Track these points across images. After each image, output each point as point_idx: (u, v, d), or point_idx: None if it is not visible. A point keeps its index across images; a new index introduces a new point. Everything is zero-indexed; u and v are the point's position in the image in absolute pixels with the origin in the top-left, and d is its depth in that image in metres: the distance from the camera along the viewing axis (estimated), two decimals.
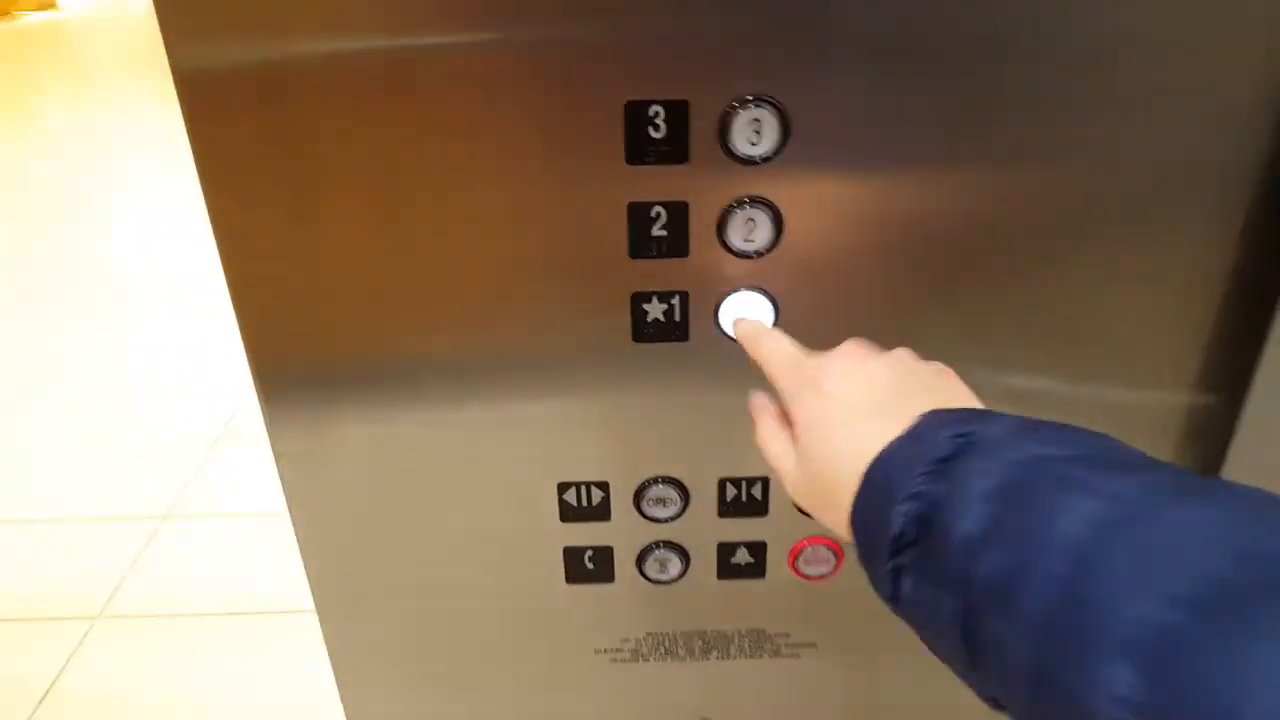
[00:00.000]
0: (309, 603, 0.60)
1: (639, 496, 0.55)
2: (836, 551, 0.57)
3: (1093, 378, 0.51)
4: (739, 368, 0.45)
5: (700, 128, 0.44)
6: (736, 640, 0.61)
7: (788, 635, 0.61)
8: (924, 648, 0.31)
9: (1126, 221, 0.47)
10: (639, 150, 0.45)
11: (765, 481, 0.54)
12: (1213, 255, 0.48)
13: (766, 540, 0.57)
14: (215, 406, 2.30)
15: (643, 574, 0.57)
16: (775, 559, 0.57)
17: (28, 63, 6.86)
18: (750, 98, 0.43)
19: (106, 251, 3.50)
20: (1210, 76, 0.43)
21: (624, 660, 0.61)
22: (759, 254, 0.47)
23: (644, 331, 0.49)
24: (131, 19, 8.04)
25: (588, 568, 0.57)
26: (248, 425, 2.11)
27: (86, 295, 3.05)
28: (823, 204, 0.46)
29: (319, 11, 0.42)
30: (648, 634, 0.60)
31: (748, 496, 0.55)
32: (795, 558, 0.57)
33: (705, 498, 0.55)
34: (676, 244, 0.47)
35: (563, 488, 0.54)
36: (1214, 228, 0.47)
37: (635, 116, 0.44)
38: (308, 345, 0.51)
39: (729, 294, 0.48)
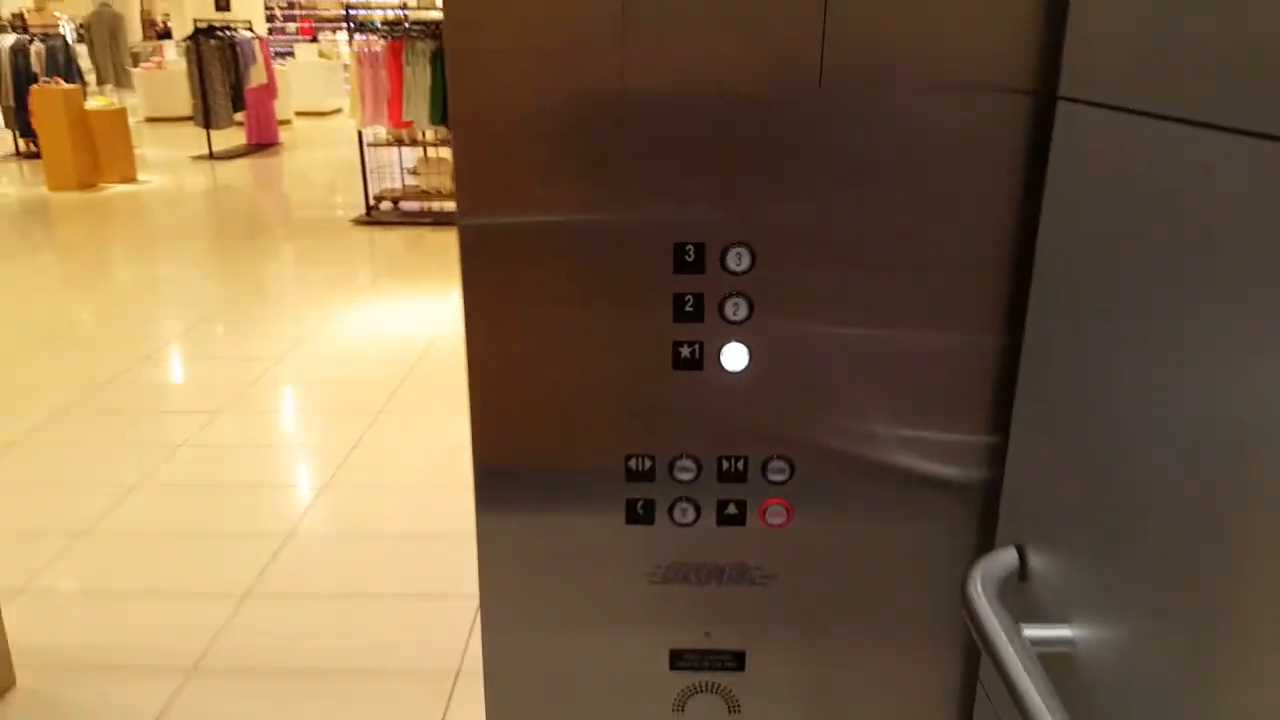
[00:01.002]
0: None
1: (671, 466, 0.94)
2: (788, 509, 0.95)
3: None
4: (734, 387, 0.86)
5: (711, 255, 0.87)
6: (727, 571, 0.98)
7: (760, 568, 0.98)
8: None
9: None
10: (680, 265, 0.87)
11: (746, 459, 0.94)
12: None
13: (746, 499, 0.95)
14: (282, 509, 2.69)
15: (671, 519, 0.96)
16: (751, 513, 0.96)
17: (108, 225, 7.62)
18: (736, 241, 0.87)
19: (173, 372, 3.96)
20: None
21: (656, 583, 0.99)
22: (741, 322, 0.89)
23: (679, 363, 0.90)
24: (196, 193, 8.89)
25: (639, 513, 0.96)
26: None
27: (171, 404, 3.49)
28: (778, 296, 0.89)
29: (526, 199, 0.86)
30: (672, 563, 0.98)
31: (735, 469, 0.94)
32: (764, 512, 0.95)
33: (710, 469, 0.94)
34: (697, 314, 0.89)
35: (627, 457, 0.94)
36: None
37: (679, 250, 0.87)
38: (516, 445, 0.92)
39: (725, 344, 0.90)
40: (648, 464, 0.94)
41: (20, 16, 12.32)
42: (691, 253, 0.87)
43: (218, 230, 7.69)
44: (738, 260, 0.87)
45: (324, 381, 4.25)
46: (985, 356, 0.89)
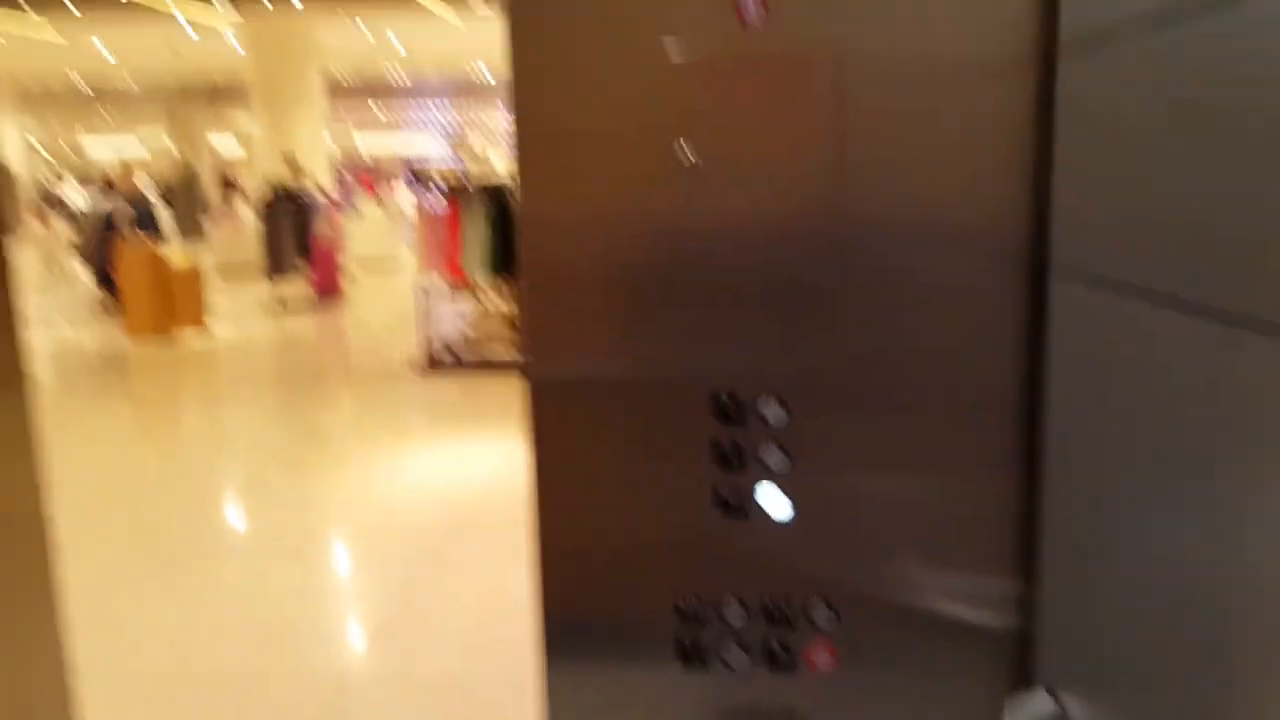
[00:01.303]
0: None
1: (719, 611, 1.03)
2: (832, 652, 1.03)
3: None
4: (776, 532, 0.96)
5: (748, 404, 0.98)
6: (777, 717, 1.05)
7: (807, 712, 1.05)
8: None
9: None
10: (719, 413, 0.99)
11: (790, 603, 1.02)
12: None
13: (792, 642, 1.03)
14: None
15: (721, 662, 1.04)
16: (798, 656, 1.03)
17: (179, 372, 7.99)
18: (768, 395, 0.98)
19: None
20: None
21: None
22: (779, 470, 0.99)
23: (722, 509, 1.01)
24: (262, 342, 9.32)
25: (690, 657, 1.04)
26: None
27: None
28: (813, 445, 0.99)
29: (584, 353, 0.99)
30: (724, 708, 1.05)
31: (780, 613, 1.02)
32: (809, 655, 1.03)
33: (756, 613, 1.03)
34: (738, 463, 0.99)
35: (677, 602, 1.03)
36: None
37: (717, 399, 0.99)
38: (578, 592, 1.02)
39: (759, 482, 1.00)
40: (697, 608, 1.03)
41: (108, 178, 13.30)
42: (730, 405, 0.99)
43: (281, 377, 8.04)
44: (773, 412, 0.98)
45: (381, 527, 4.36)
46: (1009, 503, 0.97)
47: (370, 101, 22.23)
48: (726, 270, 0.96)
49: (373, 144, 25.09)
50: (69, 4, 12.60)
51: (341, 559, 4.12)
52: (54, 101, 23.29)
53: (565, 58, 0.94)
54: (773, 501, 1.00)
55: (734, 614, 1.02)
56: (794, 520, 1.00)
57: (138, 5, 12.30)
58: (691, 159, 0.92)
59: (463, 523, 4.32)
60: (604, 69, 0.94)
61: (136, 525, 4.36)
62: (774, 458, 0.98)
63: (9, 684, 1.70)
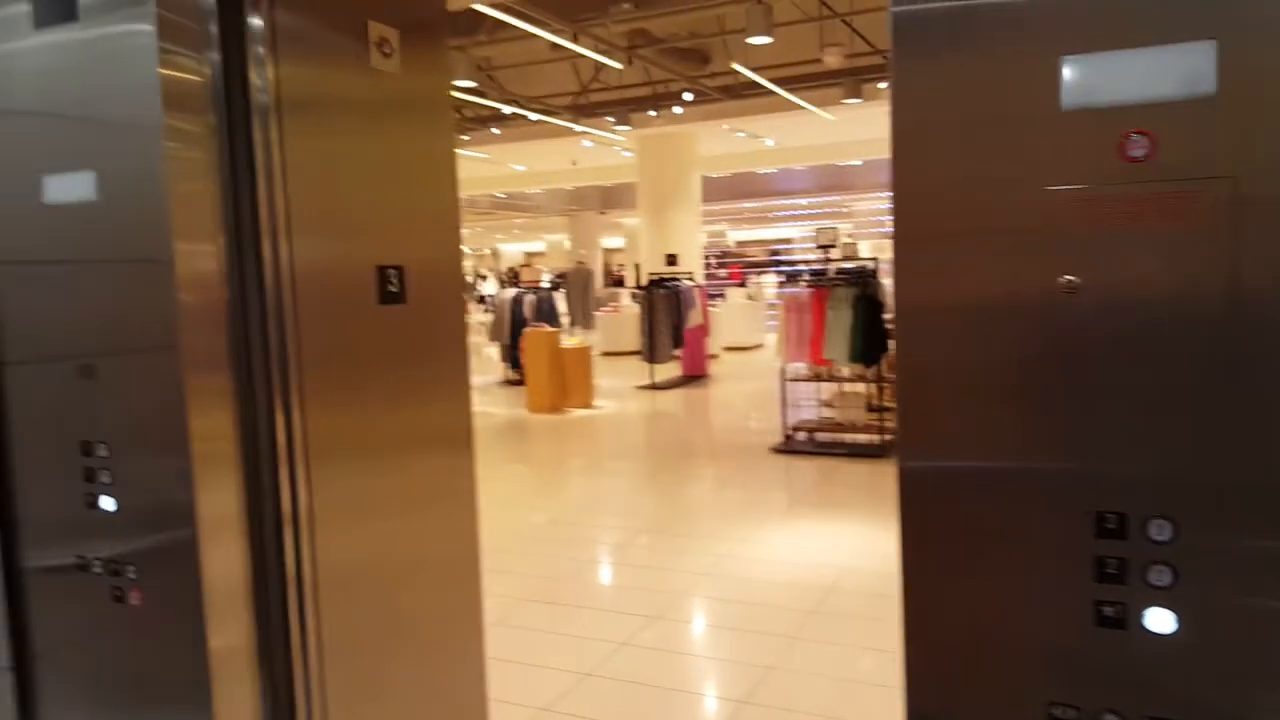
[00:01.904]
0: None
1: None
2: None
3: None
4: (1158, 649, 0.95)
5: (1132, 517, 0.99)
6: None
7: None
8: None
9: None
10: (1101, 523, 1.01)
11: None
12: None
13: None
14: None
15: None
16: None
17: (569, 442, 8.95)
18: (1154, 508, 0.98)
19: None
20: None
21: None
22: (1166, 588, 0.98)
23: (1101, 621, 1.01)
24: (638, 418, 10.12)
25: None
26: None
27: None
28: (1205, 564, 0.97)
29: (960, 446, 1.06)
30: None
31: None
32: None
33: None
34: (1119, 578, 1.00)
35: (1050, 709, 1.05)
36: None
37: (1100, 520, 1.01)
38: (947, 688, 1.09)
39: (1149, 607, 0.99)
40: (1071, 717, 1.04)
41: (514, 271, 15.33)
42: (1113, 517, 1.00)
43: (651, 449, 8.68)
44: (1160, 531, 0.98)
45: (741, 600, 4.55)
46: None
47: (738, 196, 23.55)
48: (1111, 376, 0.99)
49: (740, 235, 26.47)
50: (494, 129, 14.95)
51: (701, 626, 4.35)
52: (473, 208, 27.42)
53: (948, 179, 1.04)
54: (1158, 618, 0.99)
55: None
56: (1179, 637, 0.98)
57: (546, 124, 14.26)
58: (1075, 283, 0.98)
59: (820, 606, 4.38)
60: (988, 187, 1.03)
61: (535, 573, 4.96)
62: (1159, 574, 0.98)
63: (443, 707, 2.07)
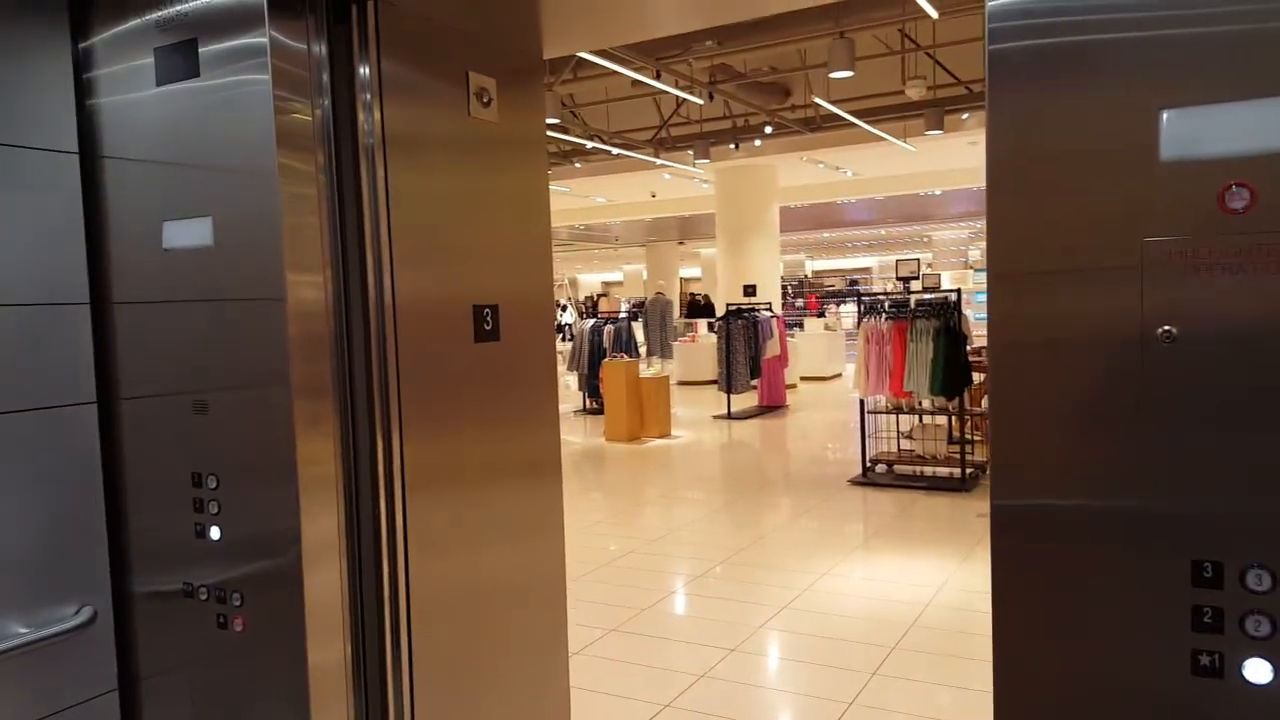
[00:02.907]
0: None
1: None
2: None
3: None
4: (1256, 699, 0.94)
5: (1230, 573, 0.98)
6: None
7: None
8: None
9: None
10: (1199, 580, 1.00)
11: None
12: None
13: None
14: None
15: None
16: None
17: (645, 472, 8.98)
18: (1253, 557, 0.97)
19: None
20: None
21: None
22: (1264, 638, 0.97)
23: (1197, 670, 1.00)
24: (715, 448, 10.10)
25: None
26: None
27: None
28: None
29: (1054, 483, 1.07)
30: None
31: None
32: None
33: None
34: (1216, 627, 0.99)
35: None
36: None
37: (1197, 567, 1.00)
38: None
39: (1247, 658, 0.98)
40: None
41: (592, 300, 15.49)
42: (1209, 570, 0.99)
43: (728, 479, 8.66)
44: (1258, 580, 0.97)
45: (821, 634, 4.50)
46: None
47: (817, 226, 23.42)
48: (1207, 424, 0.99)
49: (818, 265, 26.28)
50: (576, 163, 15.22)
51: (778, 660, 4.32)
52: (554, 239, 27.89)
53: (1044, 226, 1.05)
54: (1256, 669, 0.98)
55: None
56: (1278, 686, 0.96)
57: (626, 158, 14.46)
58: (1173, 332, 0.98)
59: (900, 642, 4.30)
60: (1084, 230, 1.04)
61: (617, 603, 4.99)
62: (1258, 624, 0.97)
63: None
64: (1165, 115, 0.98)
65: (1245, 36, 0.95)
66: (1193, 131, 0.97)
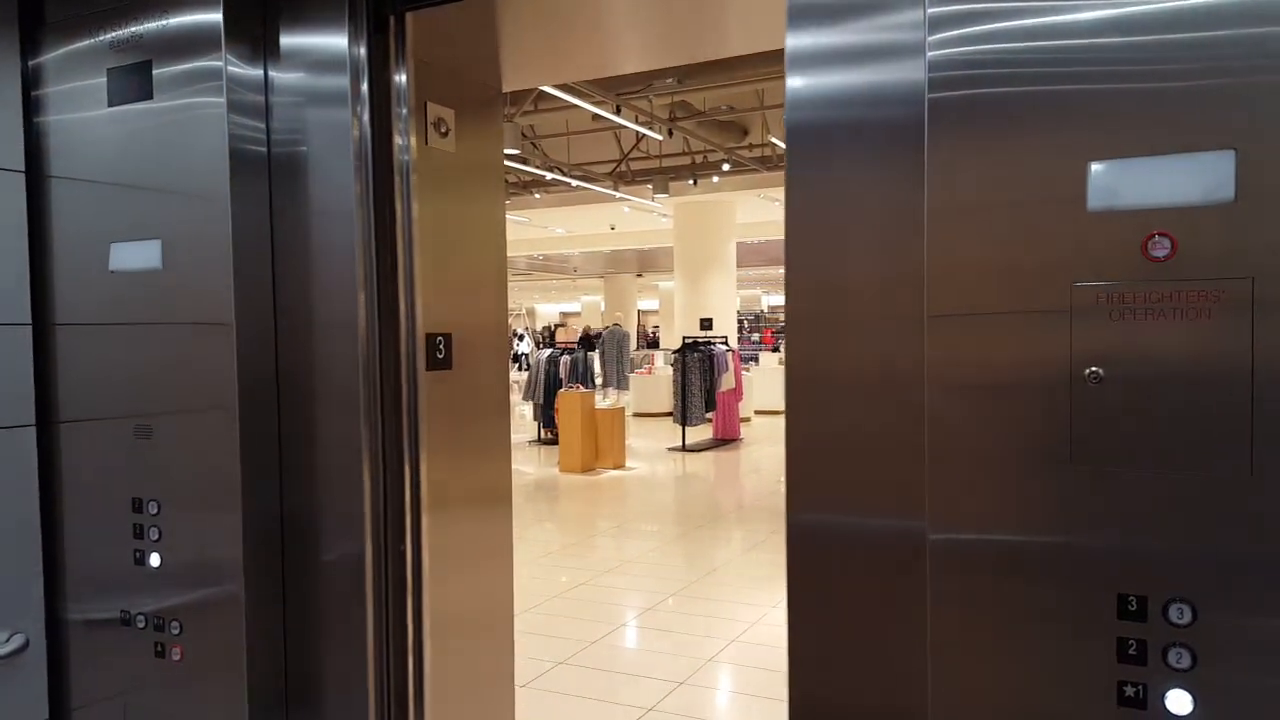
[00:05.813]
0: None
1: None
2: None
3: None
4: None
5: (1154, 606, 1.01)
6: None
7: None
8: None
9: None
10: (1123, 613, 1.03)
11: None
12: None
13: None
14: None
15: None
16: None
17: (599, 503, 8.95)
18: (1173, 590, 1.01)
19: None
20: None
21: None
22: (1185, 670, 1.00)
23: (1122, 700, 1.03)
24: (668, 480, 10.10)
25: None
26: None
27: None
28: (1223, 648, 0.99)
29: (993, 518, 1.10)
30: None
31: None
32: None
33: None
34: (1140, 659, 1.02)
35: None
36: None
37: (1122, 600, 1.03)
38: None
39: (1169, 689, 1.01)
40: None
41: (550, 330, 15.50)
42: (1134, 603, 1.03)
43: (683, 513, 8.66)
44: (1180, 614, 1.01)
45: (770, 667, 4.51)
46: None
47: (773, 261, 23.71)
48: (1131, 462, 1.02)
49: (774, 300, 26.57)
50: (536, 194, 15.28)
51: (727, 692, 4.31)
52: (511, 269, 27.89)
53: (980, 270, 1.09)
54: (1178, 700, 1.01)
55: None
56: (1198, 717, 0.99)
57: (586, 190, 14.56)
58: (1100, 374, 1.02)
59: None
60: (1018, 274, 1.07)
61: (554, 632, 4.95)
62: (1179, 656, 1.00)
63: None
64: (1093, 167, 1.03)
65: (1168, 94, 1.00)
66: (1118, 183, 1.02)
